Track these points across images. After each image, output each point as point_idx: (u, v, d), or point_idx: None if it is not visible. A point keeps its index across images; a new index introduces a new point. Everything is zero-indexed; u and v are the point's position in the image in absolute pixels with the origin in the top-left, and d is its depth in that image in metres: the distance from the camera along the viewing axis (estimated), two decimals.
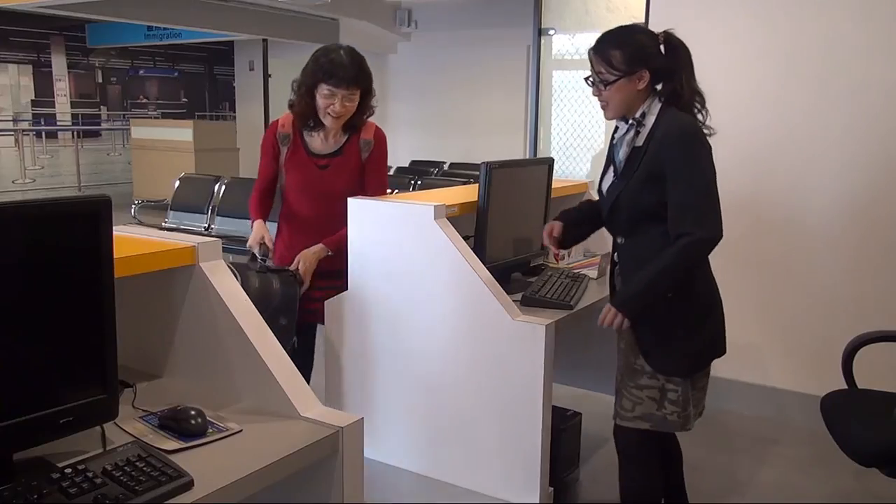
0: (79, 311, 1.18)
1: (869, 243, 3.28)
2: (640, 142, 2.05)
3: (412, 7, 9.71)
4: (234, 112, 14.45)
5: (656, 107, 2.07)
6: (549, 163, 2.90)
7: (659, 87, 2.09)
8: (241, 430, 1.35)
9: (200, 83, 24.29)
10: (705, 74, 3.57)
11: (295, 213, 2.69)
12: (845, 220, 3.31)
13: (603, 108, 2.12)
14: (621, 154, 2.10)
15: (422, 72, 9.98)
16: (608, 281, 2.28)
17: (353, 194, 2.59)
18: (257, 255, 2.64)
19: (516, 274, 2.75)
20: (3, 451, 1.14)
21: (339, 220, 2.57)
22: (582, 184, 3.33)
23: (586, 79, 2.13)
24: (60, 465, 1.14)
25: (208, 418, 1.35)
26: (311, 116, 2.58)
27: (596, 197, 3.25)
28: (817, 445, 2.92)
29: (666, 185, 1.99)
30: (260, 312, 1.95)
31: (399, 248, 2.47)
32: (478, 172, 2.53)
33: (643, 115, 2.06)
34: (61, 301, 1.16)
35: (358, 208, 2.55)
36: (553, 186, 2.89)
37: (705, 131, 2.07)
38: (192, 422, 1.32)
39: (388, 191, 2.89)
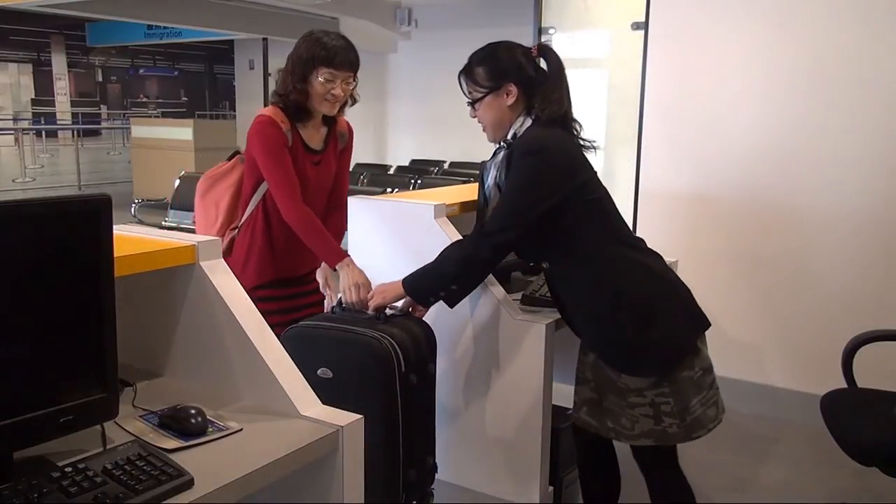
0: (79, 310, 1.18)
1: (869, 242, 3.29)
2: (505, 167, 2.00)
3: (412, 6, 9.71)
4: (235, 111, 14.46)
5: (527, 124, 2.00)
6: None
7: (532, 103, 2.01)
8: (241, 429, 1.35)
9: (200, 82, 24.31)
10: (706, 74, 3.60)
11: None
12: (845, 219, 3.31)
13: (484, 130, 2.09)
14: (490, 179, 2.06)
15: (422, 71, 9.98)
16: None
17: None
18: (355, 305, 2.21)
19: (516, 273, 2.75)
20: (4, 449, 1.13)
21: (323, 216, 2.49)
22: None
23: (468, 103, 2.08)
24: (60, 463, 1.14)
25: (208, 417, 1.35)
26: (304, 106, 2.43)
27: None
28: (817, 444, 2.92)
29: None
30: (417, 367, 1.96)
31: (399, 247, 2.47)
32: (478, 171, 2.53)
33: (514, 136, 2.01)
34: (61, 300, 1.16)
35: (358, 208, 2.55)
36: None
37: (583, 143, 2.02)
38: (193, 421, 1.32)
39: (388, 190, 2.87)
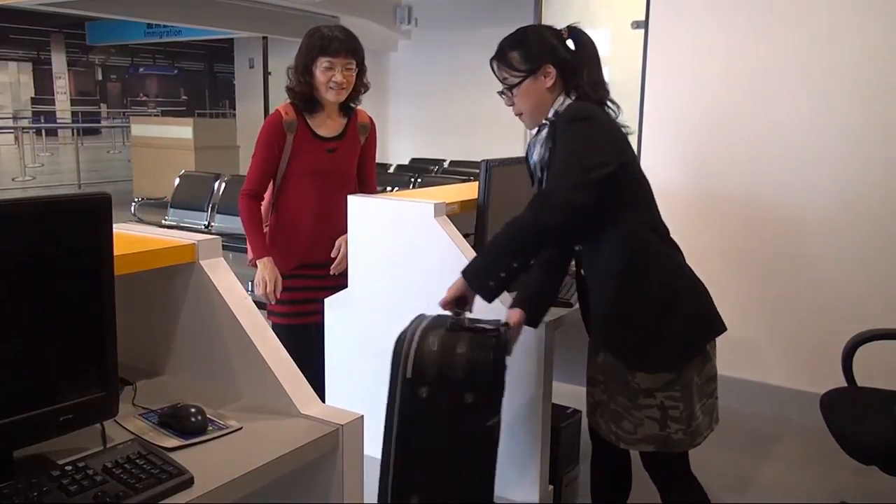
0: (79, 309, 1.18)
1: (869, 241, 3.28)
2: (551, 143, 1.92)
3: (412, 4, 9.71)
4: (234, 110, 14.46)
5: (566, 103, 1.94)
6: None
7: (570, 84, 1.95)
8: (240, 428, 1.35)
9: (200, 81, 24.30)
10: (706, 73, 3.60)
11: (301, 202, 2.64)
12: (845, 217, 3.31)
13: (520, 118, 2.01)
14: (535, 156, 1.98)
15: (422, 70, 9.97)
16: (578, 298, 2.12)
17: (355, 178, 2.68)
18: (266, 299, 2.55)
19: None
20: (4, 448, 1.14)
21: (346, 205, 2.59)
22: None
23: (499, 93, 2.01)
24: (60, 462, 1.14)
25: (208, 416, 1.35)
26: (311, 97, 2.58)
27: None
28: (817, 443, 2.92)
29: None
30: (438, 386, 1.75)
31: (399, 245, 2.47)
32: (478, 170, 2.53)
33: (556, 114, 1.94)
34: (61, 299, 1.16)
35: (358, 206, 2.55)
36: None
37: (623, 128, 1.94)
38: (192, 419, 1.32)
39: (388, 189, 2.90)
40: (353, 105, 2.70)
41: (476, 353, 1.79)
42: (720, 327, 1.94)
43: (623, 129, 1.95)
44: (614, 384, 1.93)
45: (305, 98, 2.59)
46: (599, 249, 1.93)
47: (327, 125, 2.65)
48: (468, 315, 1.91)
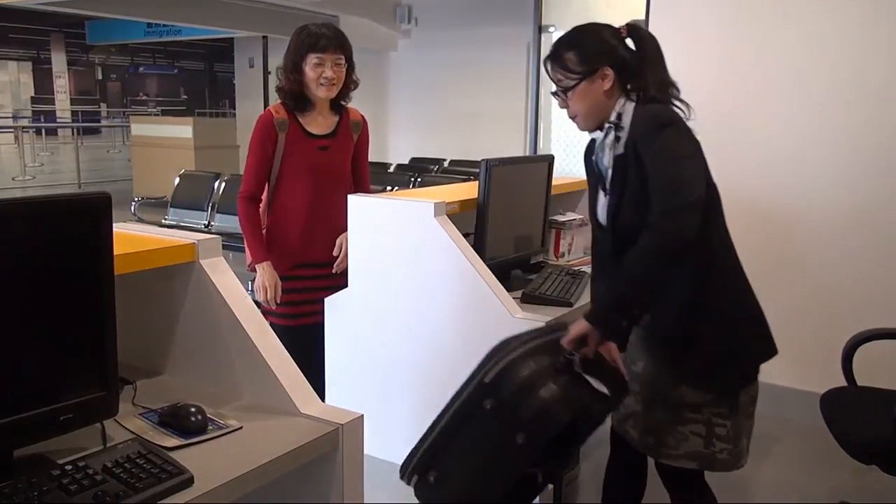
0: (79, 309, 1.18)
1: (869, 241, 3.28)
2: (621, 149, 1.82)
3: (412, 4, 9.70)
4: (234, 109, 14.45)
5: (630, 106, 1.84)
6: (550, 160, 2.90)
7: (629, 86, 1.86)
8: (240, 427, 1.35)
9: (200, 80, 24.30)
10: (706, 72, 3.59)
11: (295, 201, 2.62)
12: (845, 217, 3.31)
13: (574, 119, 1.92)
14: (605, 160, 1.88)
15: (422, 69, 9.97)
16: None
17: (349, 176, 2.68)
18: (265, 303, 2.54)
19: (516, 271, 2.75)
20: (4, 447, 1.13)
21: (343, 203, 2.60)
22: (582, 181, 3.31)
23: (553, 94, 1.93)
24: (60, 461, 1.14)
25: (208, 415, 1.35)
26: (302, 95, 2.58)
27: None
28: (817, 443, 2.92)
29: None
30: (501, 410, 1.60)
31: (399, 245, 2.47)
32: (478, 170, 2.53)
33: (619, 117, 1.84)
34: (61, 298, 1.16)
35: (358, 206, 2.55)
36: (553, 184, 2.89)
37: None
38: (192, 419, 1.32)
39: (388, 188, 2.90)
40: (343, 103, 2.69)
41: (555, 406, 1.61)
42: (772, 351, 1.90)
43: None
44: (653, 396, 1.85)
45: (296, 96, 2.58)
46: None
47: (319, 123, 2.64)
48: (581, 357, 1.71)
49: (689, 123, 1.85)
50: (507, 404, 1.64)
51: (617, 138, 1.83)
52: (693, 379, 1.80)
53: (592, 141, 1.96)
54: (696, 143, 1.82)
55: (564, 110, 1.93)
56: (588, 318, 1.73)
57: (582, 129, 1.95)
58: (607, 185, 1.88)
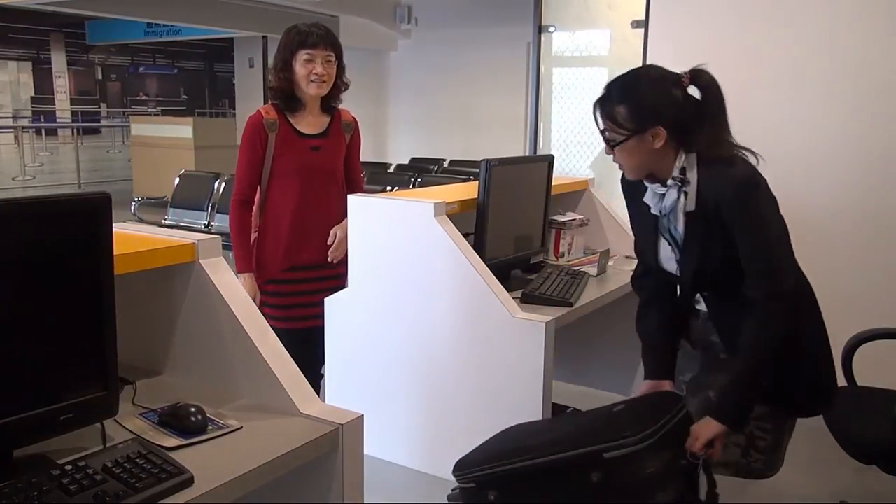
0: (79, 309, 1.18)
1: (869, 240, 3.28)
2: (691, 206, 1.75)
3: (412, 4, 9.70)
4: (234, 109, 14.46)
5: (693, 160, 1.74)
6: (550, 160, 2.90)
7: (687, 139, 1.77)
8: (240, 427, 1.35)
9: (200, 80, 24.28)
10: None
11: (287, 202, 2.59)
12: (845, 217, 3.31)
13: (619, 166, 1.83)
14: (680, 228, 1.80)
15: (422, 69, 9.97)
16: (687, 337, 1.98)
17: (341, 176, 2.68)
18: None
19: (516, 271, 2.75)
20: (4, 447, 1.14)
21: (336, 204, 2.61)
22: (582, 181, 3.33)
23: (602, 132, 1.81)
24: (60, 461, 1.14)
25: (208, 415, 1.35)
26: (292, 94, 2.57)
27: (597, 195, 3.26)
28: (817, 443, 2.91)
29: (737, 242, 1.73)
30: (609, 481, 1.57)
31: (399, 245, 2.47)
32: (478, 170, 2.53)
33: (683, 172, 1.74)
34: (61, 298, 1.16)
35: (357, 206, 2.55)
36: (553, 184, 2.89)
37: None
38: (192, 419, 1.32)
39: (388, 188, 2.89)
40: (334, 105, 2.67)
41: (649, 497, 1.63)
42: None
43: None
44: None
45: (287, 95, 2.57)
46: (734, 293, 1.78)
47: (310, 123, 2.62)
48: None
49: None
50: (616, 489, 1.62)
51: (684, 193, 1.76)
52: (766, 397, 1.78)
53: (645, 188, 1.85)
54: (774, 202, 1.81)
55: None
56: (720, 419, 1.70)
57: (629, 178, 1.87)
58: (678, 240, 1.83)
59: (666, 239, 1.85)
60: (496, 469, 1.73)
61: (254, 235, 2.64)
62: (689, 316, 1.96)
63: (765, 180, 1.77)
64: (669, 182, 1.76)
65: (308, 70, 2.51)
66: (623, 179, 1.94)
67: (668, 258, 1.87)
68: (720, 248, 1.74)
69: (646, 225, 1.89)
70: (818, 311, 1.92)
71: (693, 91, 1.80)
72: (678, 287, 1.90)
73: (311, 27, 2.57)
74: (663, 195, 1.79)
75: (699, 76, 1.79)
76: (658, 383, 1.93)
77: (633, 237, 2.02)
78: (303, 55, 2.51)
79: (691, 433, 1.70)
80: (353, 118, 2.75)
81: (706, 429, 1.69)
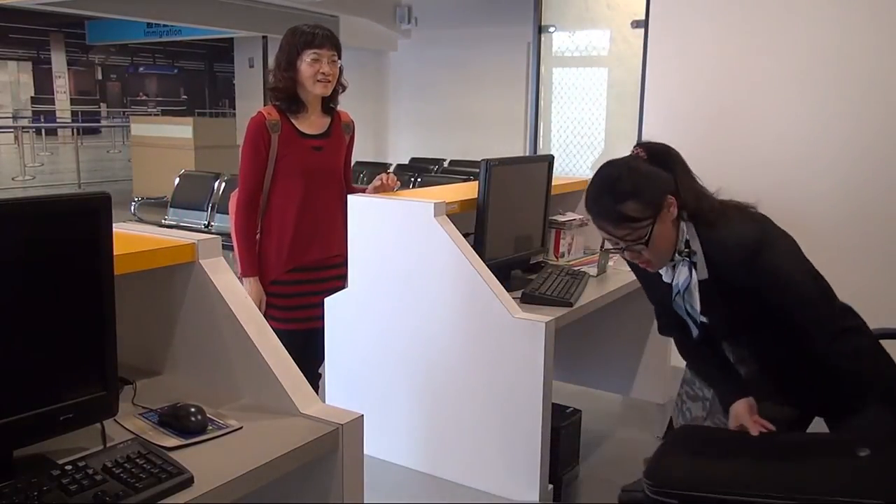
0: (79, 309, 1.18)
1: (869, 241, 3.28)
2: (703, 274, 1.78)
3: (412, 4, 9.71)
4: (234, 109, 14.46)
5: (692, 229, 1.78)
6: (550, 160, 2.90)
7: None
8: (240, 427, 1.35)
9: (200, 80, 24.28)
10: (706, 72, 3.59)
11: (290, 203, 2.60)
12: (845, 217, 3.31)
13: (645, 265, 1.82)
14: (696, 306, 1.85)
15: (422, 69, 9.97)
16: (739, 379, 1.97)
17: (342, 176, 2.71)
18: None
19: (516, 271, 2.75)
20: (4, 447, 1.13)
21: (337, 203, 2.62)
22: (582, 181, 3.33)
23: (619, 250, 1.80)
24: (60, 461, 1.14)
25: (208, 415, 1.35)
26: (295, 95, 2.58)
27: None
28: None
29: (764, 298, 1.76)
30: None
31: (399, 245, 2.47)
32: (478, 170, 2.53)
33: (687, 243, 1.77)
34: (61, 298, 1.16)
35: (357, 206, 2.55)
36: (553, 184, 2.89)
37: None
38: (192, 419, 1.32)
39: None
40: (333, 105, 2.68)
41: None
42: None
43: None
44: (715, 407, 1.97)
45: (290, 96, 2.57)
46: (767, 334, 1.86)
47: (312, 123, 2.63)
48: None
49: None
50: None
51: (693, 265, 1.79)
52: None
53: (658, 275, 1.88)
54: (792, 248, 1.86)
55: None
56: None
57: (655, 269, 1.86)
58: (696, 319, 1.87)
59: (684, 318, 1.90)
60: (707, 496, 1.64)
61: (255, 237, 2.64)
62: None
63: (770, 227, 1.82)
64: (676, 258, 1.78)
65: (315, 69, 2.52)
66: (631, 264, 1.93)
67: (695, 330, 1.91)
68: (742, 302, 1.77)
69: (663, 293, 1.91)
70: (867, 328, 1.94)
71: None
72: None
73: (314, 28, 2.57)
74: (674, 266, 1.82)
75: (650, 148, 1.81)
76: (748, 400, 1.87)
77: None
78: (309, 55, 2.52)
79: None
80: (351, 119, 2.77)
81: None
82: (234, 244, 2.63)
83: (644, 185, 1.74)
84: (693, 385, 2.12)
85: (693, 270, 1.79)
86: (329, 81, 2.56)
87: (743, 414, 1.82)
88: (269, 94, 2.63)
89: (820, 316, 1.79)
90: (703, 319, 1.88)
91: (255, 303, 2.47)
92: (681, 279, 1.81)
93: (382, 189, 2.66)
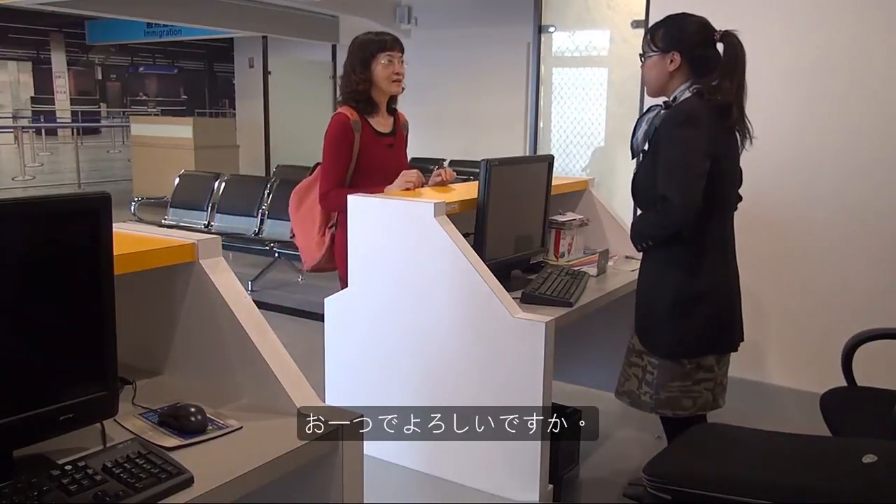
0: (79, 309, 1.18)
1: (870, 241, 3.28)
2: (658, 122, 2.16)
3: (412, 4, 9.70)
4: (234, 109, 14.44)
5: (685, 95, 2.15)
6: (549, 160, 2.90)
7: (699, 79, 2.16)
8: (240, 428, 1.35)
9: (200, 80, 24.26)
10: None
11: None
12: (845, 217, 3.31)
13: (643, 85, 2.29)
14: (640, 133, 2.22)
15: (422, 69, 9.89)
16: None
17: None
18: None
19: (516, 271, 2.75)
20: (4, 447, 1.13)
21: None
22: (582, 181, 3.33)
23: (640, 55, 2.28)
24: (60, 461, 1.14)
25: (208, 415, 1.35)
26: (369, 95, 2.76)
27: (597, 195, 3.27)
28: None
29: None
30: None
31: (399, 245, 2.47)
32: (478, 170, 2.53)
33: (674, 100, 2.17)
34: (61, 298, 1.16)
35: (358, 205, 2.55)
36: (553, 184, 2.89)
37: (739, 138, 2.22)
38: (192, 419, 1.32)
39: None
40: (394, 106, 2.92)
41: None
42: (725, 346, 2.35)
43: (744, 138, 2.27)
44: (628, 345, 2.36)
45: (367, 97, 2.76)
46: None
47: (383, 123, 2.84)
48: None
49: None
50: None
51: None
52: (642, 340, 2.29)
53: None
54: (695, 137, 2.11)
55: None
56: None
57: (648, 94, 2.33)
58: (634, 155, 2.27)
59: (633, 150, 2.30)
60: (703, 494, 1.64)
61: (330, 231, 2.82)
62: None
63: (702, 123, 2.12)
64: (662, 103, 2.21)
65: (390, 70, 2.74)
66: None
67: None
68: (652, 165, 2.15)
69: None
70: (723, 283, 2.34)
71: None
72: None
73: (382, 34, 2.79)
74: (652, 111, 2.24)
75: (726, 36, 2.19)
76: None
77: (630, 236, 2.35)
78: (383, 57, 2.73)
79: None
80: (406, 117, 3.00)
81: None
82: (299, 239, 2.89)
83: (674, 31, 2.19)
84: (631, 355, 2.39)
85: (657, 122, 2.17)
86: (400, 80, 2.78)
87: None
88: (346, 96, 2.78)
89: (662, 194, 2.10)
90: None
91: (418, 184, 2.74)
92: (649, 113, 2.24)
93: (442, 182, 2.86)
